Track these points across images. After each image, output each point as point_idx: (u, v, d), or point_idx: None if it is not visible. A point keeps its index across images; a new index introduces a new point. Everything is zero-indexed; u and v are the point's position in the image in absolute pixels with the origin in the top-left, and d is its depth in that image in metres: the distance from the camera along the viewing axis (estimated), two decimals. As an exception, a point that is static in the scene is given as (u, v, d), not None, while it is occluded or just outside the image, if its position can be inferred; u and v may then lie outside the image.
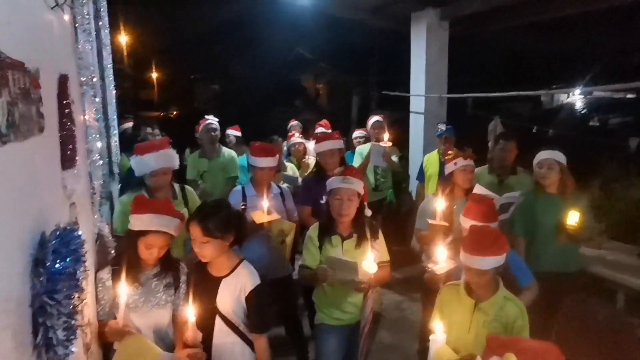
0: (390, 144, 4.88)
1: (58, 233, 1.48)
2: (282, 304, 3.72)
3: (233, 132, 6.02)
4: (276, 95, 18.85)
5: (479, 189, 3.22)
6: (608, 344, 1.71)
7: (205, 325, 2.36)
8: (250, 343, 2.51)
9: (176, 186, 3.45)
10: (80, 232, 1.63)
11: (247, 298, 2.46)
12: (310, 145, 5.51)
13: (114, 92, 4.13)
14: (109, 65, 3.85)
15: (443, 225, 3.21)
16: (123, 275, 2.31)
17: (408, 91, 7.14)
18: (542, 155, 3.54)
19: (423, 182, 5.40)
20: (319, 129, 5.93)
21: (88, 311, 2.09)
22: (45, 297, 1.32)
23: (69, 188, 1.81)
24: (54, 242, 1.43)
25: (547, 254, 3.51)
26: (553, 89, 10.29)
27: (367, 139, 5.80)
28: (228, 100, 19.88)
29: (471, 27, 7.11)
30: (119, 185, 4.36)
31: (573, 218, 3.28)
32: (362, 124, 6.34)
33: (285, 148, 5.79)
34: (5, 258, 1.16)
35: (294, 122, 6.71)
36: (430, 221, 3.30)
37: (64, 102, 1.79)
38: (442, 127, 5.29)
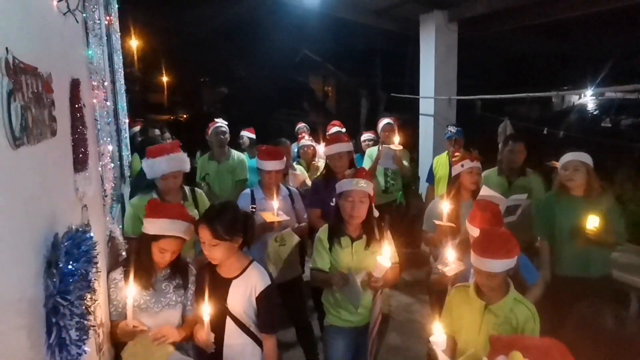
0: (401, 147, 4.88)
1: (70, 235, 1.51)
2: (292, 306, 3.73)
3: (247, 134, 6.03)
4: (283, 97, 18.91)
5: (485, 191, 3.21)
6: (618, 351, 1.69)
7: (216, 327, 2.38)
8: (260, 343, 2.52)
9: (186, 188, 3.48)
10: (92, 234, 1.65)
11: (257, 298, 2.47)
12: (320, 147, 5.53)
13: (125, 95, 4.17)
14: (119, 69, 3.89)
15: (449, 226, 3.21)
16: (131, 276, 2.33)
17: (416, 93, 7.13)
18: (568, 157, 3.49)
19: (433, 184, 5.40)
20: (333, 129, 5.95)
21: (100, 312, 2.11)
22: (58, 297, 1.33)
23: (80, 190, 1.82)
24: (66, 243, 1.45)
25: (567, 258, 3.47)
26: (563, 90, 10.21)
27: (375, 142, 5.80)
28: (235, 102, 19.97)
29: (478, 29, 7.09)
30: (130, 188, 4.40)
31: (592, 222, 3.23)
32: (370, 127, 6.34)
33: (295, 150, 5.80)
34: (18, 259, 1.18)
35: (301, 125, 6.73)
36: (437, 222, 3.31)
37: (76, 105, 1.81)
38: (452, 129, 5.28)
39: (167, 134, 6.04)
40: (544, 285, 2.98)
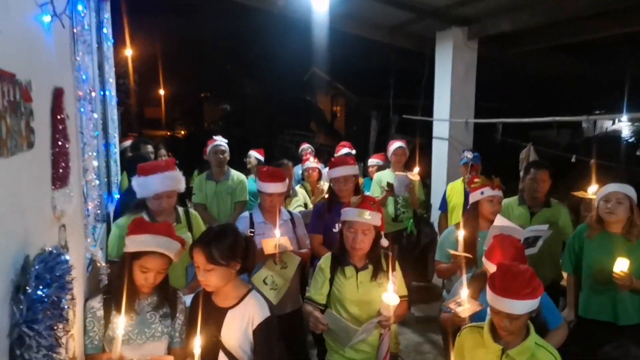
0: (418, 177, 4.84)
1: (42, 257, 1.47)
2: (291, 341, 3.66)
3: (256, 155, 6.04)
4: (289, 117, 19.04)
5: (499, 220, 3.13)
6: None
7: (208, 360, 2.31)
8: None
9: (180, 210, 3.45)
10: (67, 257, 1.61)
11: (254, 331, 2.41)
12: (326, 170, 5.52)
13: (116, 108, 4.18)
14: (110, 80, 3.91)
15: (466, 256, 3.14)
16: (123, 303, 2.28)
17: (430, 115, 7.13)
18: (611, 187, 3.37)
19: (446, 212, 5.36)
20: (342, 150, 5.92)
21: (73, 344, 2.05)
22: (24, 327, 1.30)
23: (59, 209, 1.80)
24: (37, 267, 1.41)
25: (595, 301, 3.39)
26: (595, 114, 10.14)
27: (381, 168, 5.79)
28: (238, 120, 20.12)
29: (501, 48, 7.11)
30: (117, 207, 4.38)
31: (621, 265, 3.11)
32: (380, 149, 6.32)
33: (299, 172, 5.79)
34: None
35: (305, 145, 6.74)
36: (452, 251, 3.25)
37: (58, 116, 1.80)
38: (469, 154, 5.25)
39: (163, 151, 6.04)
40: (567, 328, 2.90)
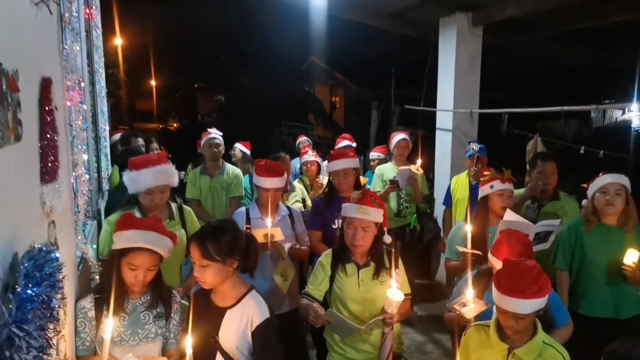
0: (421, 171, 4.83)
1: (31, 255, 1.46)
2: (290, 341, 3.66)
3: (240, 147, 6.05)
4: (287, 108, 19.00)
5: (509, 215, 3.12)
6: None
7: (204, 362, 2.31)
8: None
9: (173, 205, 3.45)
10: (58, 254, 1.60)
11: (253, 333, 2.39)
12: (325, 163, 5.52)
13: (106, 99, 4.17)
14: (100, 69, 3.89)
15: (476, 254, 3.14)
16: (111, 304, 2.28)
17: (433, 106, 7.11)
18: (608, 178, 3.37)
19: (450, 207, 5.35)
20: (343, 142, 5.91)
21: (65, 345, 2.05)
22: (13, 327, 1.29)
23: (48, 204, 1.79)
24: (26, 264, 1.40)
25: (596, 297, 3.38)
26: (604, 104, 10.13)
27: (382, 161, 5.79)
28: (233, 112, 20.07)
29: (507, 35, 7.08)
30: (107, 203, 4.37)
31: (631, 257, 3.10)
32: (381, 142, 6.32)
33: (297, 166, 5.78)
34: (-32, 282, 1.14)
35: (303, 138, 6.74)
36: (460, 248, 3.25)
37: (46, 108, 1.78)
38: (474, 146, 5.24)
39: (155, 144, 6.03)
40: (572, 326, 2.90)
